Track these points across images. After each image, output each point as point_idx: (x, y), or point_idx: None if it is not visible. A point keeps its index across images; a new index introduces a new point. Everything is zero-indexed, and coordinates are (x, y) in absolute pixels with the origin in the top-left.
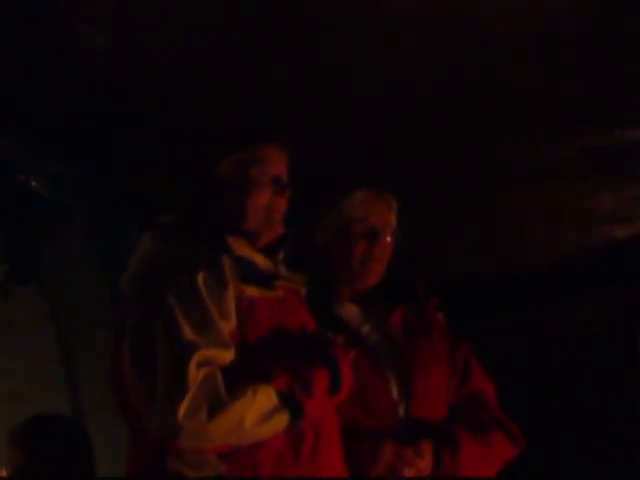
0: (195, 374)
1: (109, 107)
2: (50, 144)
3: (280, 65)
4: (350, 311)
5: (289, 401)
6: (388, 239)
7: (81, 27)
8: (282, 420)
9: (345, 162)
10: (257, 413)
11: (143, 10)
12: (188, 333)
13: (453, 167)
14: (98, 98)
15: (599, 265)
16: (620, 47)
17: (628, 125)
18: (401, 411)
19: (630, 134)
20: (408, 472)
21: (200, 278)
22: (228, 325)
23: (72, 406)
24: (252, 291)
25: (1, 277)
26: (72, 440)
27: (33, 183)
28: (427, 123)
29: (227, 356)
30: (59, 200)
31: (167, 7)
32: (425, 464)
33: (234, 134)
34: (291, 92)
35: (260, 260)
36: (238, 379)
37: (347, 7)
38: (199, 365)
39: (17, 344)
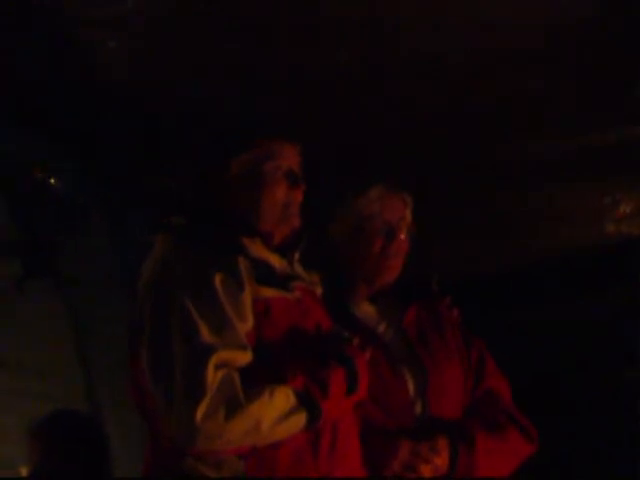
0: (213, 376)
1: (126, 107)
2: (67, 143)
3: (284, 67)
4: (365, 310)
5: (307, 401)
6: (403, 236)
7: (97, 29)
8: (300, 421)
9: (347, 162)
10: (274, 414)
11: (156, 13)
12: (206, 335)
13: (452, 167)
14: (115, 98)
15: (599, 265)
16: (620, 46)
17: (628, 124)
18: (418, 409)
19: (630, 133)
20: (424, 469)
21: (217, 280)
22: (245, 327)
23: (88, 402)
24: (268, 292)
25: (17, 273)
26: (90, 437)
27: (50, 181)
28: (427, 123)
29: (244, 358)
30: (76, 198)
31: (176, 10)
32: (441, 461)
33: (244, 132)
34: (295, 93)
35: (276, 261)
36: (255, 380)
37: (346, 10)
38: (217, 367)
39: (32, 340)
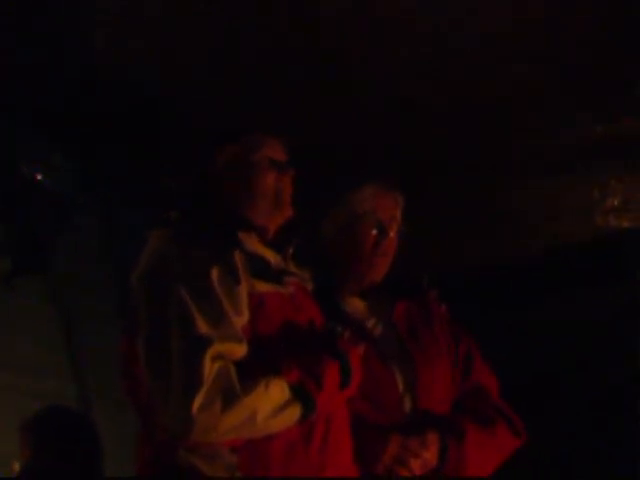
0: (210, 368)
1: (126, 107)
2: (67, 143)
3: (283, 67)
4: (356, 306)
5: (301, 394)
6: (393, 234)
7: (98, 29)
8: (294, 413)
9: (347, 160)
10: (270, 406)
11: (156, 13)
12: (202, 327)
13: (452, 167)
14: (115, 98)
15: (599, 262)
16: (620, 46)
17: (628, 119)
18: (407, 404)
19: (630, 129)
20: (414, 463)
21: (213, 273)
22: (241, 320)
23: (80, 399)
24: (262, 287)
25: (7, 270)
26: (81, 435)
27: (38, 177)
28: (427, 123)
29: (240, 350)
30: (65, 194)
31: (176, 10)
32: (431, 455)
33: (244, 132)
34: (295, 93)
35: (271, 256)
36: (250, 374)
37: (347, 10)
38: (213, 359)
39: (24, 338)
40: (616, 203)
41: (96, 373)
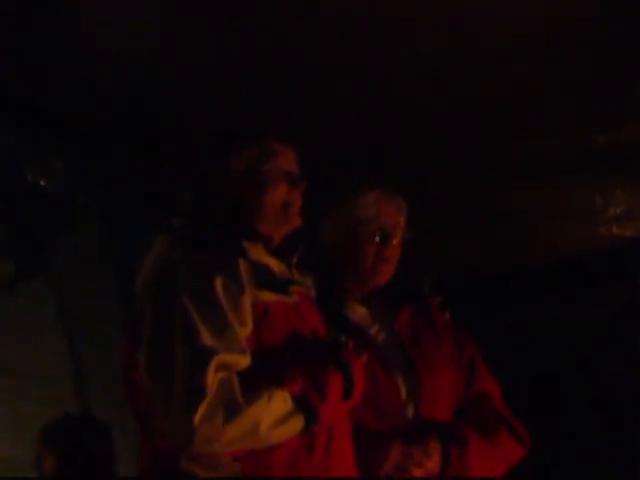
0: (213, 379)
1: (126, 107)
2: (67, 143)
3: (283, 66)
4: (358, 312)
5: (304, 405)
6: (397, 241)
7: (98, 29)
8: (297, 424)
9: (347, 160)
10: (272, 417)
11: (157, 12)
12: (206, 338)
13: (452, 167)
14: (115, 98)
15: (599, 265)
16: (620, 46)
17: (629, 124)
18: (409, 411)
19: (631, 133)
20: (416, 472)
21: (218, 283)
22: (245, 330)
23: (77, 398)
24: (267, 296)
25: (9, 274)
26: (102, 441)
27: (41, 181)
28: (427, 123)
29: (244, 362)
30: (74, 198)
31: (176, 10)
32: (433, 464)
33: (244, 132)
34: (295, 93)
35: (275, 265)
36: (254, 384)
37: (347, 10)
38: (217, 370)
39: (25, 342)
40: (619, 212)
41: (96, 374)
